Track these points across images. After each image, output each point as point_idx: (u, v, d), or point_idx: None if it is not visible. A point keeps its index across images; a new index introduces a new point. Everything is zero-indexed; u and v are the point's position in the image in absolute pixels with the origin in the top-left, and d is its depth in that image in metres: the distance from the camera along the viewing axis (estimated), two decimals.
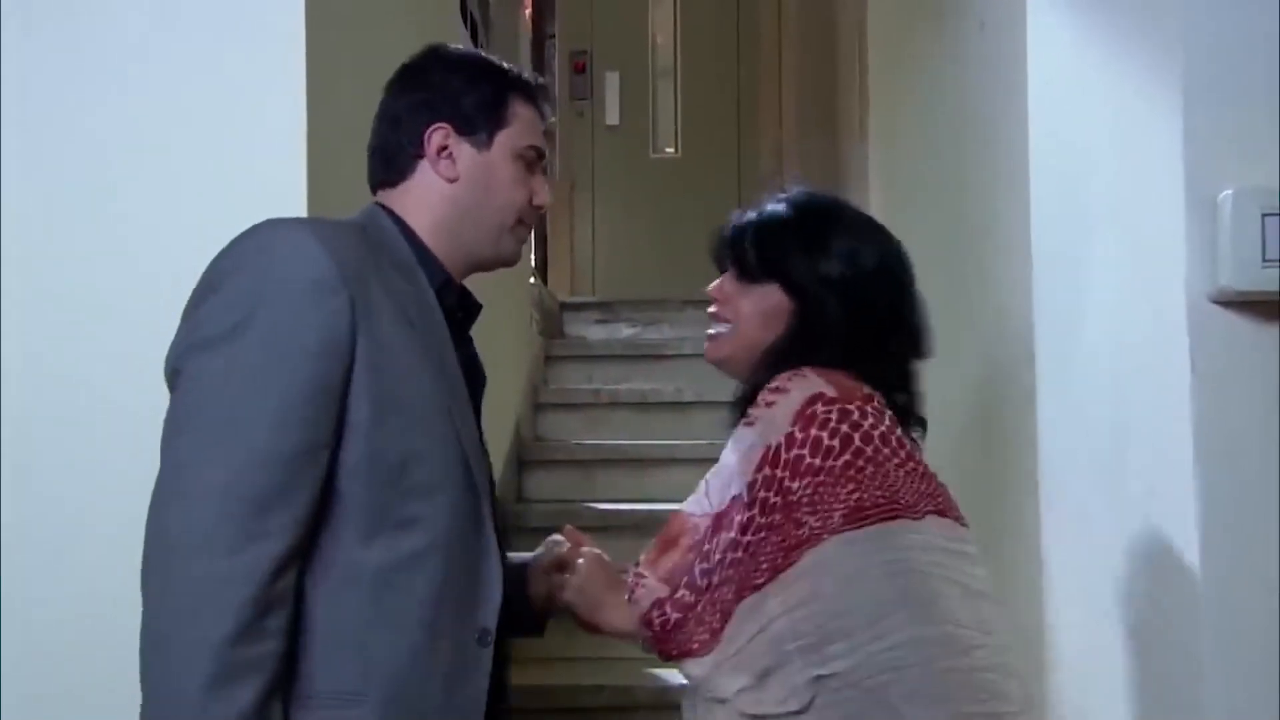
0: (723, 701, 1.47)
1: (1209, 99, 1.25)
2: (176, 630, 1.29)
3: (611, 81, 6.54)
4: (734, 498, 1.47)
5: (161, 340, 1.78)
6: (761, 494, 1.46)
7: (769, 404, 1.49)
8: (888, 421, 1.49)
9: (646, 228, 6.39)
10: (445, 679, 1.43)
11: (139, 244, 1.96)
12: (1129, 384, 1.42)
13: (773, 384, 1.50)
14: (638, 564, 1.54)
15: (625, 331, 5.08)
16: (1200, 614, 1.23)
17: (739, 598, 1.46)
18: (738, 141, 6.49)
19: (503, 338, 3.80)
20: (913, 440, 1.53)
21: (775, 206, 1.64)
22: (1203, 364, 1.24)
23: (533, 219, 1.63)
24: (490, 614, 1.47)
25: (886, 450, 1.47)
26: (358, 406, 1.38)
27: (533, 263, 5.00)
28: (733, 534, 1.46)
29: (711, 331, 1.65)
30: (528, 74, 1.64)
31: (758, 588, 1.45)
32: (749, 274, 1.62)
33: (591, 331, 5.11)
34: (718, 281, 1.65)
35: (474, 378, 1.61)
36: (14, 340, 1.94)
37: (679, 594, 1.49)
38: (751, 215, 1.65)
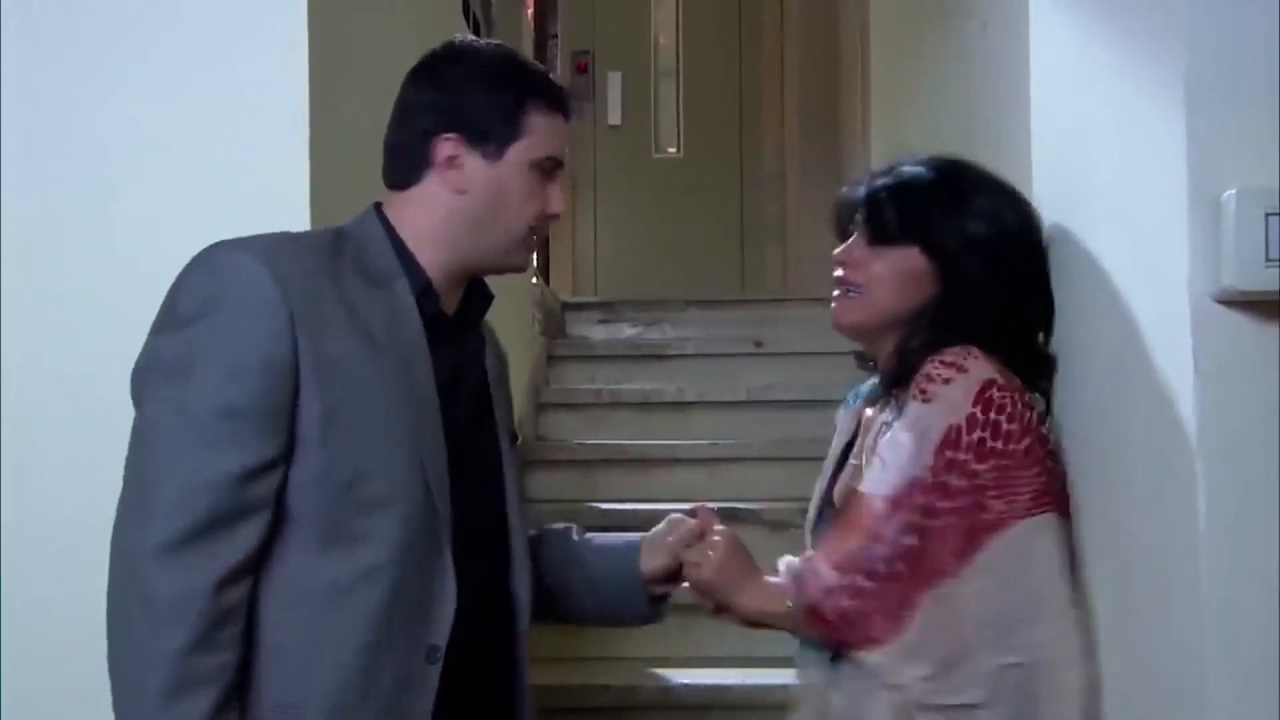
0: (895, 688, 1.43)
1: (1212, 98, 1.24)
2: (137, 640, 1.34)
3: (614, 81, 6.54)
4: (914, 479, 1.43)
5: None
6: (944, 478, 1.43)
7: (946, 380, 1.45)
8: (1038, 417, 1.50)
9: (649, 228, 6.39)
10: (389, 695, 1.43)
11: (139, 244, 1.96)
12: (1131, 383, 1.41)
13: (946, 358, 1.47)
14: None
15: (627, 331, 5.08)
16: (1203, 614, 1.23)
17: (929, 584, 1.42)
18: (740, 141, 6.49)
19: (505, 338, 3.78)
20: None
21: (912, 168, 1.60)
22: (1205, 363, 1.23)
23: (545, 228, 1.61)
24: (441, 631, 1.46)
25: (1043, 447, 1.49)
26: (306, 422, 1.40)
27: (535, 262, 5.00)
28: (913, 517, 1.43)
29: (838, 293, 1.60)
30: (552, 77, 1.60)
31: (947, 574, 1.42)
32: (885, 236, 1.57)
33: (593, 331, 5.10)
34: (845, 245, 1.60)
35: (467, 378, 1.60)
36: (14, 340, 1.95)
37: (855, 580, 1.44)
38: (885, 178, 1.60)
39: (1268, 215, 1.21)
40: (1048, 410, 1.61)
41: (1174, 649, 1.31)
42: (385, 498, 1.42)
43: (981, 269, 1.53)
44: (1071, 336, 1.64)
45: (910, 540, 1.42)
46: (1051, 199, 1.77)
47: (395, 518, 1.43)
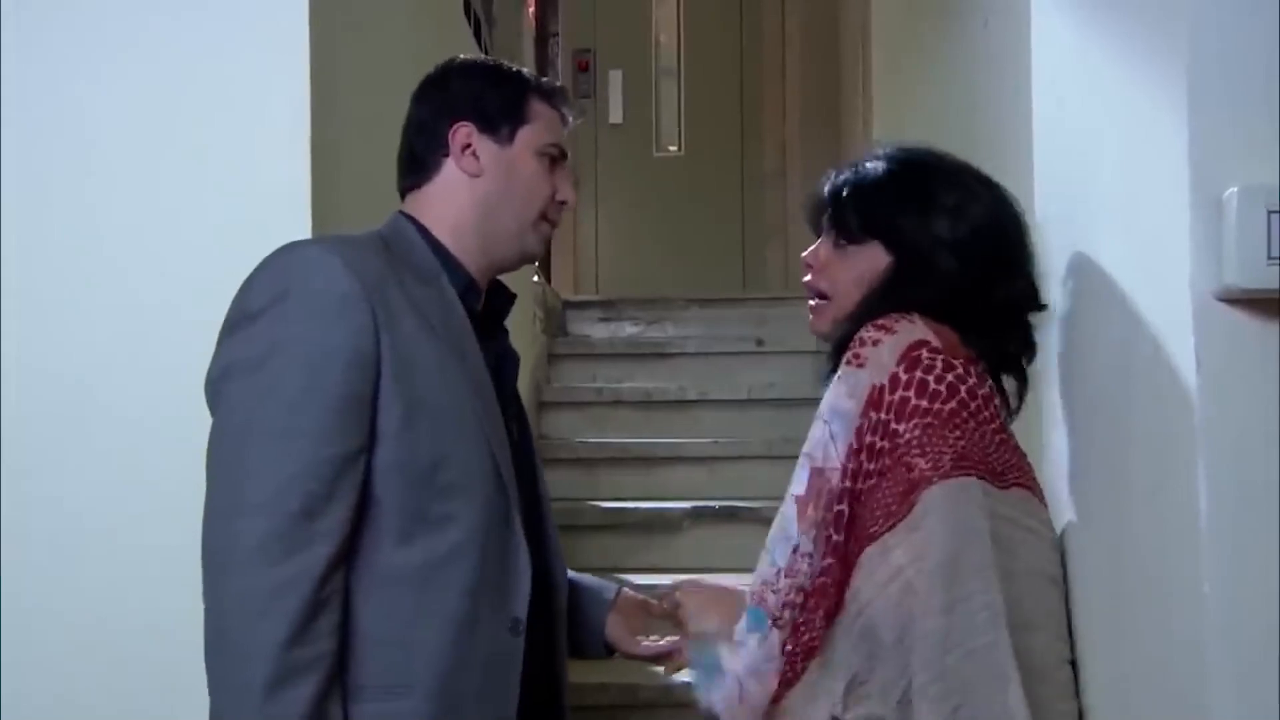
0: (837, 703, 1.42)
1: (1214, 97, 1.24)
2: (237, 636, 1.37)
3: (615, 80, 6.54)
4: (847, 446, 1.44)
5: (163, 340, 1.78)
6: (868, 439, 1.43)
7: (875, 342, 1.45)
8: (987, 387, 1.48)
9: (650, 226, 6.39)
10: (483, 667, 1.50)
11: (139, 244, 1.96)
12: (1133, 381, 1.41)
13: (879, 321, 1.47)
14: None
15: (628, 330, 5.08)
16: (1204, 613, 1.23)
17: (860, 549, 1.42)
18: (741, 139, 6.48)
19: None
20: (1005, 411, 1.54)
21: (873, 163, 1.60)
22: (1207, 361, 1.23)
23: (557, 216, 1.67)
24: (521, 604, 1.54)
25: (986, 413, 1.46)
26: (388, 414, 1.45)
27: (536, 261, 4.99)
28: (848, 483, 1.43)
29: (811, 302, 1.63)
30: (546, 78, 1.70)
31: (874, 536, 1.41)
32: (849, 236, 1.57)
33: (595, 330, 5.11)
34: (813, 247, 1.62)
35: (506, 371, 1.67)
36: (14, 340, 1.95)
37: (803, 561, 1.44)
38: (847, 174, 1.60)
39: (1269, 213, 1.20)
40: (1020, 398, 1.59)
41: (1174, 649, 1.31)
42: (462, 483, 1.49)
43: (946, 263, 1.52)
44: (1073, 335, 1.64)
45: (844, 506, 1.43)
46: (1053, 197, 1.77)
47: (473, 501, 1.49)
